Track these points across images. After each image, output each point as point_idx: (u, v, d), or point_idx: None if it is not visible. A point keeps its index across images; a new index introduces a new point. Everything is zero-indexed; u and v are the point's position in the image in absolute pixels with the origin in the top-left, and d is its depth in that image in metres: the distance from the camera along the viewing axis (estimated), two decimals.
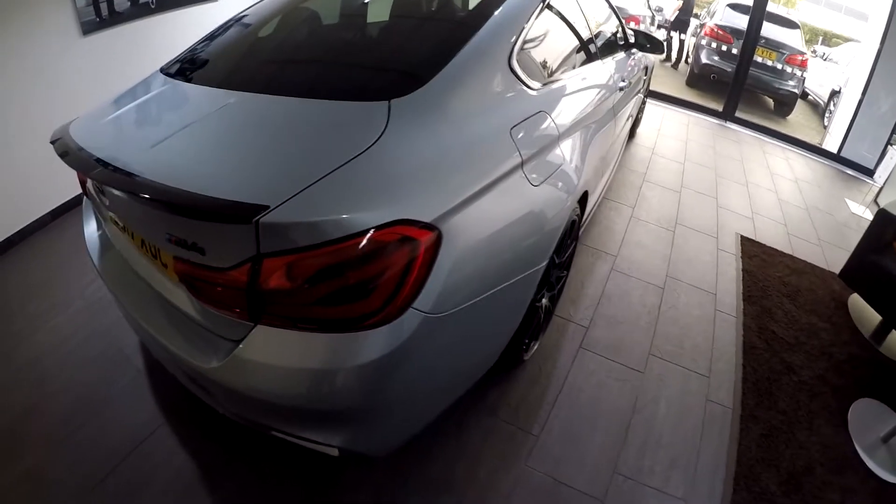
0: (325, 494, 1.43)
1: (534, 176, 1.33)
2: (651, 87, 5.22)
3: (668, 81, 6.51)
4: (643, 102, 4.08)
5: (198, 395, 1.24)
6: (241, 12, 1.85)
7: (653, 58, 3.81)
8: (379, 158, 0.97)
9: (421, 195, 0.97)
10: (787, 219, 3.44)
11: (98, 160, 1.01)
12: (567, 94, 1.74)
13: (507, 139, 1.26)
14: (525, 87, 1.44)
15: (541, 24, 1.71)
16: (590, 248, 2.68)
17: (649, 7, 7.70)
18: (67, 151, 1.09)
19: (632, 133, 4.01)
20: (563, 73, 1.81)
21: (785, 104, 6.14)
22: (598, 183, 2.28)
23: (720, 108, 4.92)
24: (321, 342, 0.92)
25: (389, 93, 1.12)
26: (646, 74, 3.55)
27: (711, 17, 6.33)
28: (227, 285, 0.91)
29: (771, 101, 6.40)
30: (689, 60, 6.71)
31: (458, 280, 1.04)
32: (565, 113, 1.65)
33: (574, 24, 2.13)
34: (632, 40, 3.04)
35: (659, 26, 8.14)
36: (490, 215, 1.14)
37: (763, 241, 3.03)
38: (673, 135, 4.43)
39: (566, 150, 1.58)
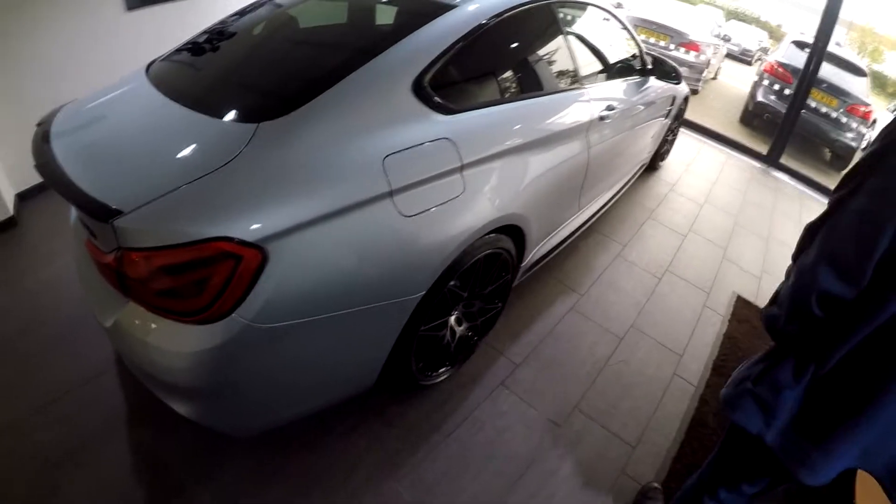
0: (202, 465, 1.51)
1: (408, 206, 1.30)
2: (699, 121, 4.87)
3: (720, 117, 6.03)
4: (672, 133, 3.77)
5: None
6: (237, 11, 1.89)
7: (684, 88, 3.51)
8: (225, 179, 1.07)
9: (253, 215, 1.05)
10: None
11: (48, 152, 1.21)
12: (501, 121, 1.62)
13: (375, 168, 1.23)
14: (432, 113, 1.39)
15: (488, 44, 1.63)
16: (557, 280, 2.49)
17: (718, 36, 7.18)
18: (39, 138, 1.28)
19: (653, 164, 3.73)
20: (510, 97, 1.71)
21: (841, 157, 5.53)
22: (554, 216, 2.11)
23: (765, 152, 4.47)
24: (165, 326, 1.09)
25: (263, 115, 1.21)
26: (672, 104, 3.28)
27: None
28: (107, 265, 1.09)
29: (829, 152, 5.79)
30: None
31: (290, 297, 1.11)
32: (488, 141, 1.54)
33: (547, 47, 2.00)
34: (650, 66, 2.82)
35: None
36: (337, 241, 1.17)
37: (762, 306, 2.69)
38: (702, 173, 4.07)
39: (475, 181, 1.48)
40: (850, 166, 0.89)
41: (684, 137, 4.66)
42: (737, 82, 7.91)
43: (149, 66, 1.63)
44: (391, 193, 1.25)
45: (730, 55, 8.10)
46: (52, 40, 2.56)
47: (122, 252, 1.03)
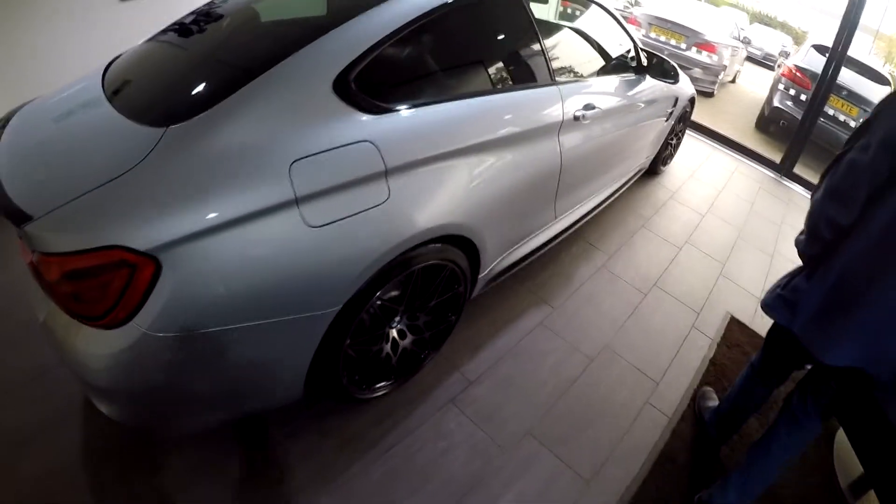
0: (147, 458, 1.50)
1: (316, 216, 1.18)
2: (712, 125, 4.62)
3: (736, 122, 5.73)
4: (675, 136, 3.55)
5: None
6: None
7: (688, 89, 3.29)
8: (126, 185, 1.04)
9: (148, 223, 1.01)
10: None
11: None
12: (441, 122, 1.46)
13: (279, 174, 1.14)
14: (355, 112, 1.27)
15: (432, 37, 1.51)
16: (530, 291, 2.32)
17: (738, 38, 6.82)
18: None
19: (653, 169, 3.51)
20: (455, 94, 1.55)
21: None
22: (519, 225, 1.94)
23: (778, 160, 4.21)
24: (79, 327, 1.08)
25: (173, 118, 1.16)
26: (674, 106, 3.06)
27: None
28: (30, 265, 1.09)
29: None
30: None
31: (186, 308, 1.06)
32: (423, 143, 1.39)
33: (509, 39, 1.84)
34: (645, 64, 2.62)
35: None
36: (236, 252, 1.09)
37: (758, 330, 2.48)
38: (708, 180, 3.84)
39: (403, 187, 1.34)
40: (852, 132, 1.21)
41: (692, 141, 4.43)
42: (756, 87, 7.55)
43: (111, 62, 1.59)
44: (296, 202, 1.14)
45: (752, 59, 7.76)
46: (43, 28, 2.51)
47: (38, 255, 1.03)
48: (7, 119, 1.38)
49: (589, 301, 2.37)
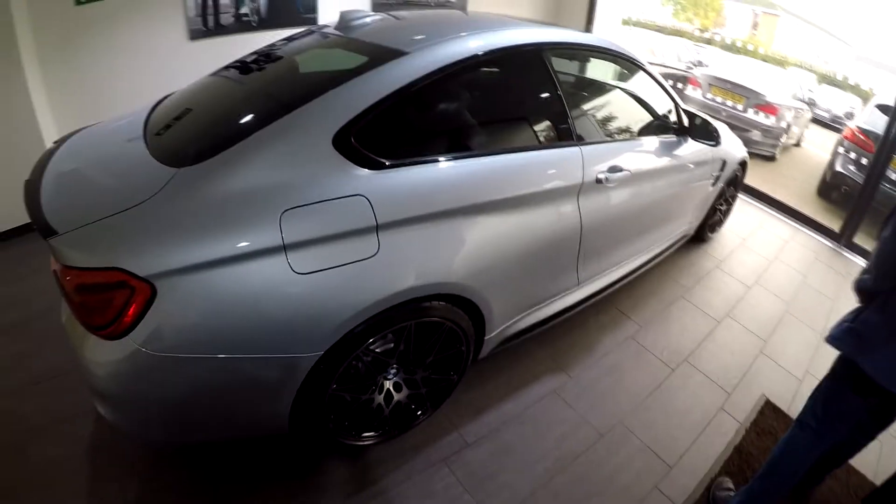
0: (147, 465, 1.64)
1: (302, 263, 1.25)
2: (770, 190, 4.40)
3: (797, 188, 5.42)
4: (725, 202, 3.41)
5: None
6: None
7: (738, 152, 3.16)
8: (136, 216, 1.18)
9: (149, 252, 1.14)
10: None
11: (40, 169, 1.42)
12: (443, 180, 1.51)
13: (270, 221, 1.23)
14: (353, 167, 1.34)
15: (442, 95, 1.58)
16: (549, 357, 2.28)
17: (802, 99, 6.51)
18: (45, 155, 1.49)
19: (700, 236, 3.37)
20: (462, 153, 1.59)
21: None
22: (533, 289, 1.93)
23: (837, 229, 3.90)
24: (87, 334, 1.21)
25: (184, 160, 1.30)
26: (721, 170, 2.95)
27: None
28: (54, 272, 1.23)
29: None
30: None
31: (176, 332, 1.18)
32: (420, 200, 1.44)
33: (527, 99, 1.89)
34: (686, 125, 2.55)
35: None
36: (224, 288, 1.19)
37: (795, 416, 2.26)
38: (759, 249, 3.63)
39: (395, 243, 1.38)
40: None
41: (746, 207, 4.22)
42: (822, 150, 7.09)
43: (161, 99, 1.78)
44: (284, 248, 1.23)
45: (819, 121, 7.37)
46: (116, 60, 2.92)
47: (59, 265, 1.18)
48: (63, 140, 1.56)
49: (610, 373, 2.28)
